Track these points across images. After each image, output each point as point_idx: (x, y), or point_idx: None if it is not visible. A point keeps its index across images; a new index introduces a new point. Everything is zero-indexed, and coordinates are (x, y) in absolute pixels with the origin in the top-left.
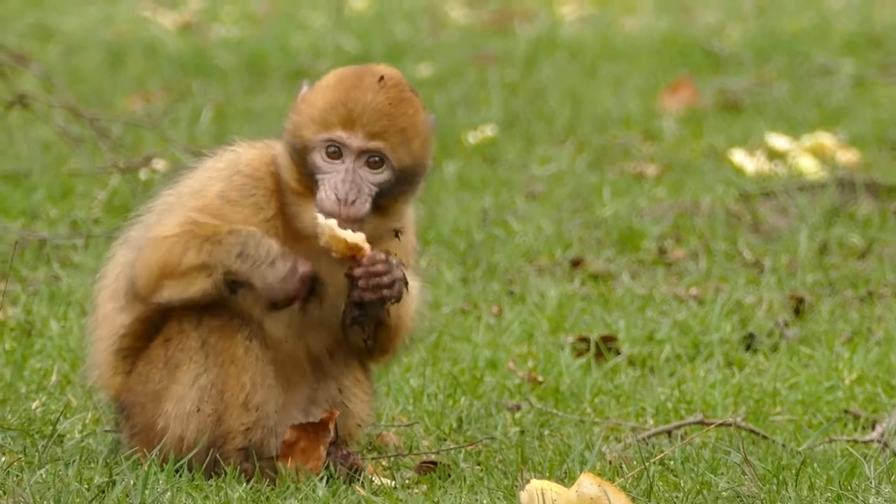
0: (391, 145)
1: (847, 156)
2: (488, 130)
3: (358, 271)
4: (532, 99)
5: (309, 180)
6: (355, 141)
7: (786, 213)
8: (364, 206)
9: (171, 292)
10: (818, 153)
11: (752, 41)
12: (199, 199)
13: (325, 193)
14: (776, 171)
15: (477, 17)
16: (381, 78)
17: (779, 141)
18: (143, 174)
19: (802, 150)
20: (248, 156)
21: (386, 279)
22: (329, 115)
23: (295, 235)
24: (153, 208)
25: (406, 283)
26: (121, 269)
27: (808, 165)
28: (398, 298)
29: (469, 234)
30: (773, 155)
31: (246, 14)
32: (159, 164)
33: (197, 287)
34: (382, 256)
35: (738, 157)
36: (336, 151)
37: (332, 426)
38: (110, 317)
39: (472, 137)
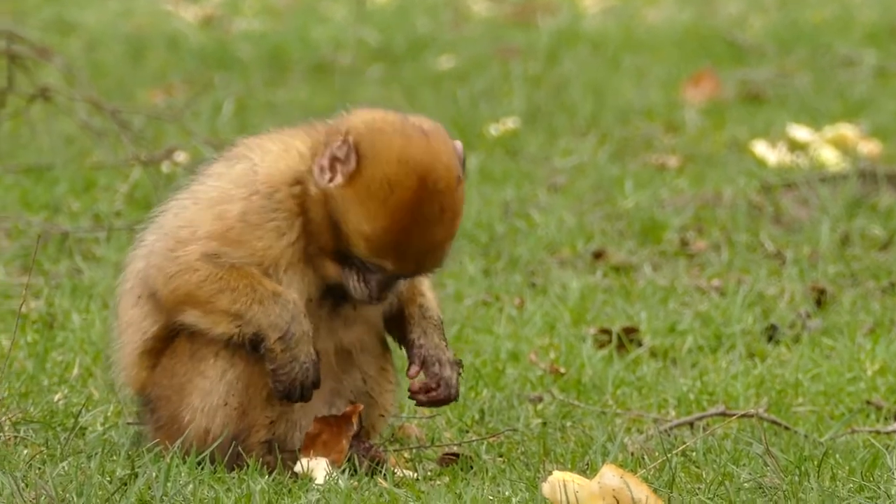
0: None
1: (869, 147)
2: (510, 123)
3: (420, 398)
4: (554, 91)
5: (338, 243)
6: (405, 269)
7: (807, 205)
8: (394, 294)
9: (193, 320)
10: (840, 144)
11: (775, 32)
12: (220, 222)
13: (357, 285)
14: (798, 163)
15: (499, 9)
16: (443, 210)
17: (800, 132)
18: (164, 167)
19: (824, 142)
20: (265, 170)
21: (443, 396)
22: (383, 247)
23: (316, 256)
24: (167, 213)
25: (460, 366)
26: (142, 275)
27: (830, 157)
28: (456, 397)
29: (491, 226)
30: (795, 146)
31: (267, 7)
32: (181, 157)
33: (221, 330)
34: (434, 383)
35: (760, 148)
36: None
37: (355, 420)
38: (135, 323)
39: (495, 130)
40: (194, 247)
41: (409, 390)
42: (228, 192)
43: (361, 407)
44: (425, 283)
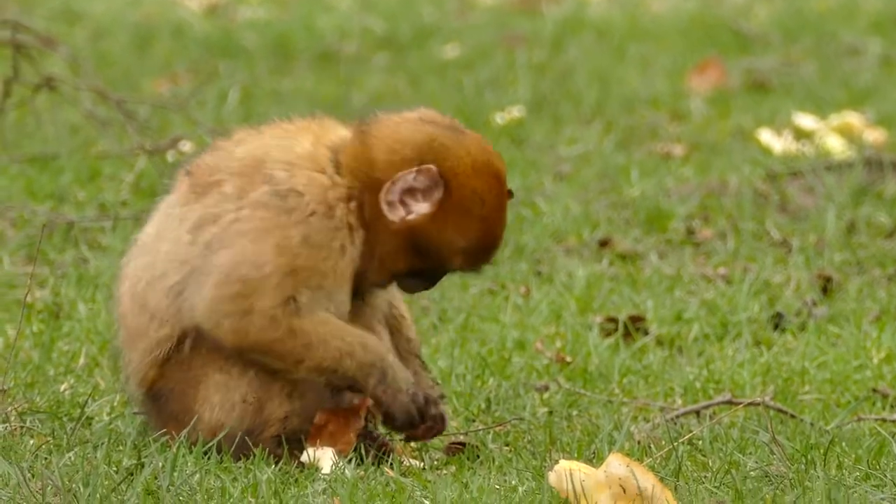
0: None
1: (874, 135)
2: (516, 111)
3: (417, 435)
4: (559, 80)
5: (420, 262)
6: (485, 263)
7: (813, 193)
8: None
9: (265, 362)
10: (845, 132)
11: (780, 21)
12: (286, 253)
13: (415, 283)
14: (803, 151)
15: None
16: (511, 193)
17: (806, 120)
18: (170, 156)
19: (830, 130)
20: (310, 188)
21: (439, 431)
22: (477, 255)
23: (370, 269)
24: (194, 244)
25: (443, 397)
26: (160, 286)
27: (836, 145)
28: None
29: None
30: (801, 134)
31: None
32: (186, 146)
33: (302, 376)
34: (431, 422)
35: (766, 136)
36: None
37: (363, 413)
38: (146, 332)
39: (500, 118)
40: (268, 292)
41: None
42: (277, 218)
43: (370, 401)
44: (401, 300)
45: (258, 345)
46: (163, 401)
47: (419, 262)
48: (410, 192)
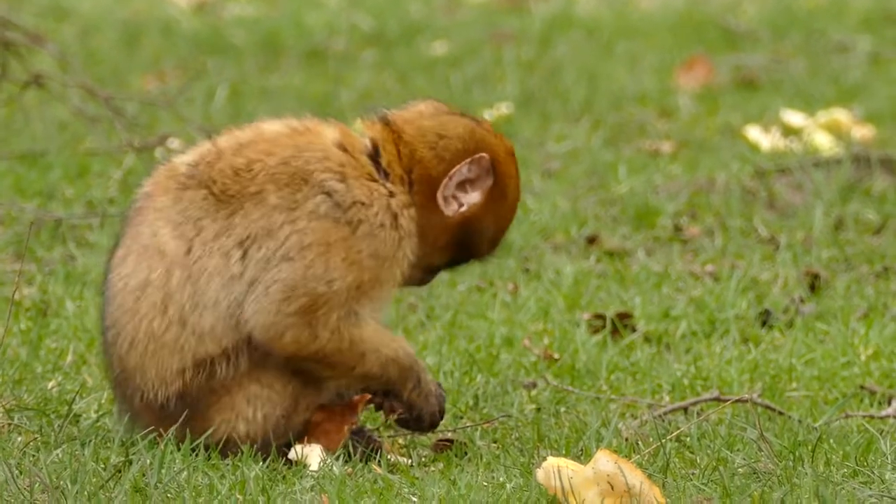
0: None
1: (862, 132)
2: (504, 108)
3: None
4: (548, 77)
5: (456, 255)
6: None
7: (801, 190)
8: None
9: (309, 368)
10: (833, 129)
11: (769, 18)
12: (355, 268)
13: (428, 276)
14: (791, 148)
15: None
16: None
17: (794, 117)
18: (158, 153)
19: (818, 127)
20: (372, 196)
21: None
22: (500, 240)
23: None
24: (248, 260)
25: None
26: (209, 304)
27: (824, 142)
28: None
29: None
30: (789, 131)
31: None
32: (174, 144)
33: (343, 384)
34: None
35: (754, 133)
36: None
37: (361, 410)
38: (181, 347)
39: (488, 115)
40: (335, 306)
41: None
42: (340, 231)
43: (368, 397)
44: None
45: (316, 355)
46: (185, 411)
47: (457, 254)
48: (461, 184)
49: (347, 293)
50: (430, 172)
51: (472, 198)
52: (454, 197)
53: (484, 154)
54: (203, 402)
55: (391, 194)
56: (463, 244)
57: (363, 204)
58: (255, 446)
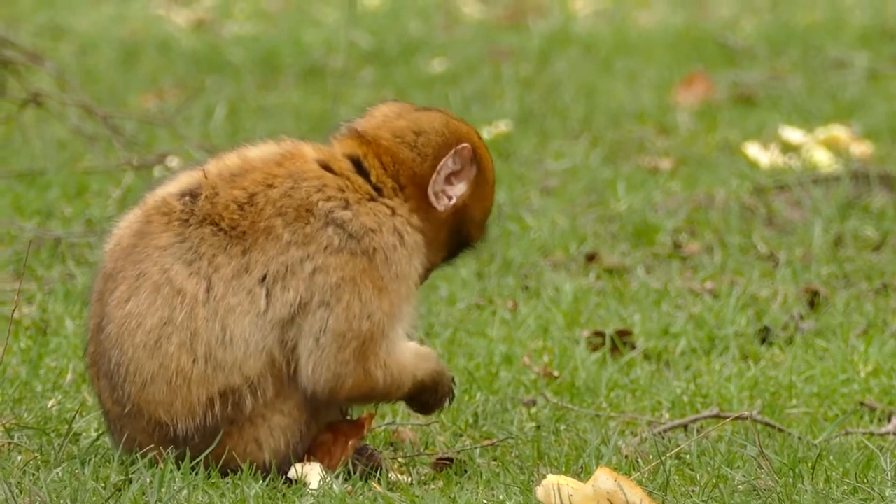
0: None
1: (861, 148)
2: (503, 125)
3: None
4: (546, 94)
5: (453, 248)
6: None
7: (800, 206)
8: None
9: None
10: (832, 146)
11: (766, 35)
12: (384, 295)
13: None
14: (790, 165)
15: (490, 12)
16: None
17: (793, 134)
18: (157, 172)
19: (816, 143)
20: (378, 219)
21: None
22: (487, 221)
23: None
24: (262, 277)
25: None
26: (238, 342)
27: (823, 158)
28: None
29: None
30: (788, 148)
31: (259, 11)
32: (173, 162)
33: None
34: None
35: (753, 150)
36: None
37: (367, 428)
38: (209, 381)
39: (487, 133)
40: (379, 339)
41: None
42: (361, 261)
43: (375, 415)
44: None
45: (371, 392)
46: (208, 444)
47: (453, 246)
48: (447, 178)
49: (387, 321)
50: (415, 171)
51: (459, 189)
52: (443, 192)
53: (465, 144)
54: (227, 435)
55: (393, 212)
56: (457, 235)
57: (373, 230)
58: (266, 466)
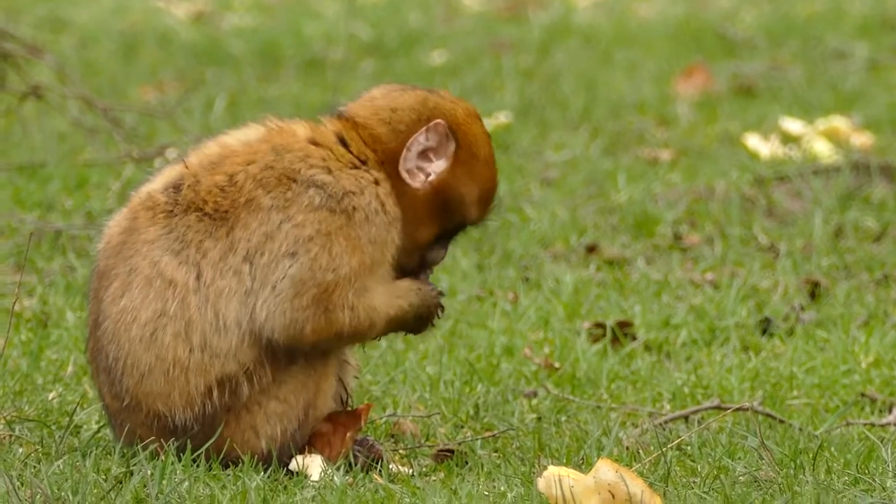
0: None
1: (861, 139)
2: (503, 117)
3: None
4: (546, 85)
5: (445, 224)
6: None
7: (801, 197)
8: None
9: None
10: (832, 137)
11: (766, 25)
12: (356, 253)
13: (437, 253)
14: (791, 156)
15: (490, 3)
16: None
17: (793, 125)
18: (157, 164)
19: (817, 134)
20: (361, 184)
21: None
22: (489, 200)
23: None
24: (258, 256)
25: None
26: (229, 325)
27: (823, 149)
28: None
29: None
30: (788, 139)
31: (258, 3)
32: (173, 154)
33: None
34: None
35: (753, 141)
36: None
37: (365, 419)
38: (206, 369)
39: (487, 124)
40: (345, 288)
41: None
42: (337, 220)
43: (373, 406)
44: None
45: (338, 335)
46: (207, 433)
47: (444, 224)
48: (423, 154)
49: (355, 275)
50: (389, 147)
51: (438, 165)
52: (419, 168)
53: (439, 120)
54: (225, 424)
55: (376, 182)
56: (446, 212)
57: (354, 193)
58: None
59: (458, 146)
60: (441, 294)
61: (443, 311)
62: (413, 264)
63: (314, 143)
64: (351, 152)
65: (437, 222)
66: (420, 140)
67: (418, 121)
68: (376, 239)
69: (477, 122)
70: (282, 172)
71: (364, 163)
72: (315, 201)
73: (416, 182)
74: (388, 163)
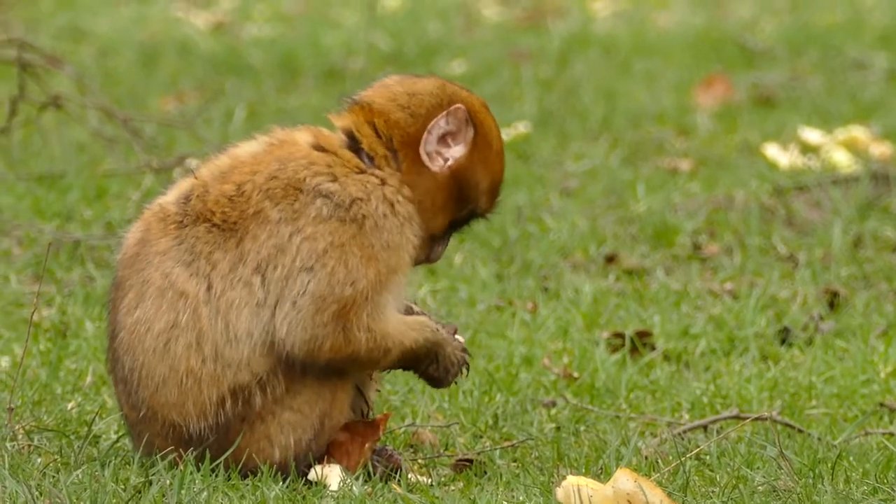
0: None
1: (880, 149)
2: (522, 127)
3: None
4: (566, 95)
5: (457, 213)
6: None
7: (820, 207)
8: None
9: (344, 368)
10: (851, 147)
11: (786, 36)
12: (371, 263)
13: (440, 248)
14: (810, 165)
15: (510, 13)
16: None
17: (812, 135)
18: (176, 174)
19: (836, 144)
20: (367, 189)
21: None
22: (497, 190)
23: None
24: (258, 265)
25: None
26: (240, 336)
27: (842, 159)
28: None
29: (503, 230)
30: (807, 149)
31: (278, 13)
32: (193, 164)
33: (377, 370)
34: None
35: (772, 151)
36: None
37: (383, 429)
38: (218, 379)
39: (506, 134)
40: (362, 305)
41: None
42: (348, 229)
43: (390, 415)
44: None
45: (352, 356)
46: (221, 442)
47: (456, 212)
48: (443, 139)
49: (371, 289)
50: (408, 132)
51: (457, 150)
52: (438, 153)
53: (459, 105)
54: (238, 434)
55: (382, 182)
56: (459, 199)
57: (362, 199)
58: (280, 465)
59: (476, 133)
60: (466, 351)
61: (468, 368)
62: (420, 258)
63: (319, 148)
64: (361, 149)
65: (451, 210)
66: (441, 124)
67: (439, 105)
68: (390, 243)
69: (489, 114)
70: (287, 182)
71: (371, 160)
72: (323, 212)
73: (435, 166)
74: (404, 149)
